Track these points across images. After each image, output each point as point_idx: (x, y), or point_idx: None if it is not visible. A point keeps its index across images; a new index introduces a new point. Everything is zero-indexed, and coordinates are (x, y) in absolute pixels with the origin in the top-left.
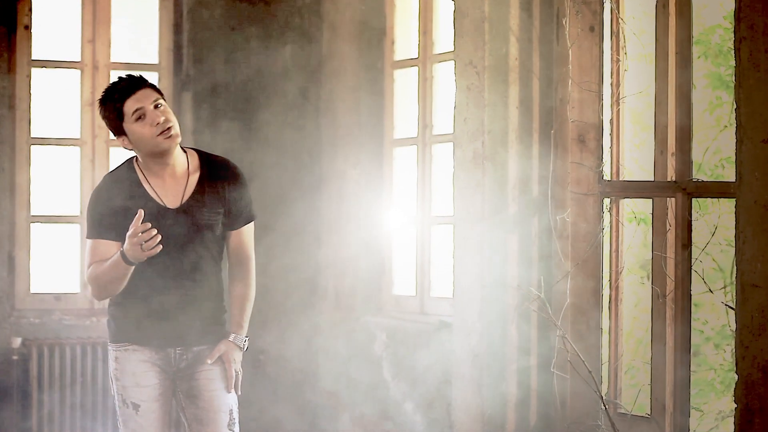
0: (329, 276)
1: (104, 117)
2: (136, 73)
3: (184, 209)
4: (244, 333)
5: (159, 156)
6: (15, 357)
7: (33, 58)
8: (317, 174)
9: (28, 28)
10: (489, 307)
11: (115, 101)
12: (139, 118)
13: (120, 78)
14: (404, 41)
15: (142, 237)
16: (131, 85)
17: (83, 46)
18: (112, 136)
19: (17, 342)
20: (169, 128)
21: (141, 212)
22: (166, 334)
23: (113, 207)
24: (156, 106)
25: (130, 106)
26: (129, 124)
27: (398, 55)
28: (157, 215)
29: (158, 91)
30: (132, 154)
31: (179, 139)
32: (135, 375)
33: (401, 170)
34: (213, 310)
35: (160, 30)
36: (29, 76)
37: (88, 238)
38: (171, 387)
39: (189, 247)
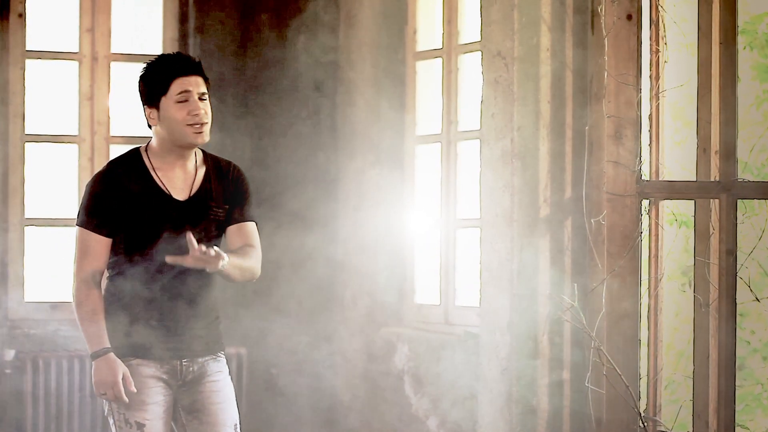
0: (346, 283)
1: (146, 83)
2: (196, 58)
3: (192, 202)
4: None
5: (179, 148)
6: (8, 371)
7: (27, 48)
8: (333, 173)
9: (21, 16)
10: (519, 317)
11: (167, 73)
12: (181, 101)
13: (179, 53)
14: (427, 30)
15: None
16: (189, 65)
17: (81, 36)
18: (113, 132)
19: (10, 355)
20: (204, 124)
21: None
22: (173, 344)
23: (115, 196)
24: (202, 99)
25: (179, 84)
26: (168, 101)
27: (421, 46)
28: (164, 206)
29: (209, 85)
30: (136, 145)
31: (206, 139)
32: (140, 392)
33: (424, 169)
34: (213, 316)
35: (165, 18)
36: (23, 68)
37: (78, 225)
38: (173, 403)
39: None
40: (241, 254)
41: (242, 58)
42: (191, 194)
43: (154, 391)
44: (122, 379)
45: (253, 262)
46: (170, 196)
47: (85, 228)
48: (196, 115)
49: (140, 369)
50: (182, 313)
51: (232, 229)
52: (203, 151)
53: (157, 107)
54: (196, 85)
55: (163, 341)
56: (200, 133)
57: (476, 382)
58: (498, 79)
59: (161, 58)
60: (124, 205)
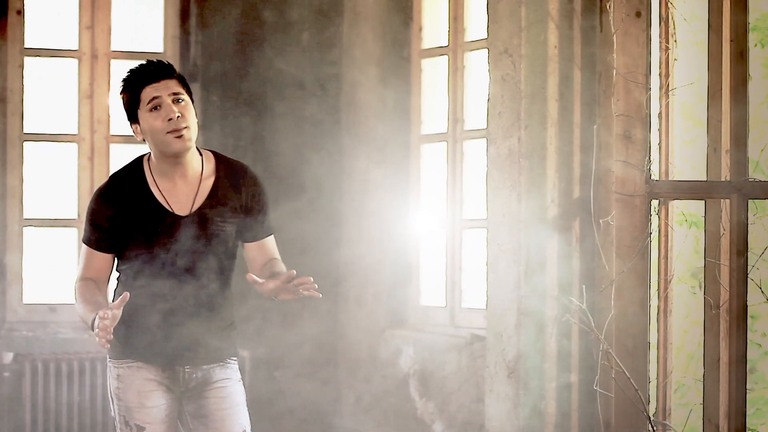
0: (350, 285)
1: (121, 99)
2: (166, 61)
3: (194, 218)
4: None
5: (168, 155)
6: (6, 374)
7: (26, 46)
8: (337, 173)
9: (20, 13)
10: (526, 319)
11: (134, 85)
12: (153, 108)
13: (149, 61)
14: (433, 28)
15: (99, 323)
16: (157, 71)
17: (81, 33)
18: (113, 131)
19: (8, 357)
20: (182, 128)
21: (126, 294)
22: (175, 351)
23: (114, 214)
24: (176, 101)
25: (147, 93)
26: (143, 113)
27: (426, 43)
28: (165, 223)
29: (185, 84)
30: (142, 152)
31: (191, 144)
32: (140, 395)
33: (429, 169)
34: (223, 325)
35: (165, 15)
36: (22, 66)
37: (83, 242)
38: (177, 408)
39: (199, 258)
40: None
41: (245, 56)
42: (194, 208)
43: (154, 394)
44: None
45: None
46: (171, 212)
47: (87, 245)
48: (170, 120)
49: (141, 372)
50: (187, 321)
51: (252, 246)
52: (216, 157)
53: (138, 121)
54: (166, 88)
55: (165, 348)
56: (180, 137)
57: (483, 386)
58: (505, 77)
59: (131, 71)
60: (124, 222)
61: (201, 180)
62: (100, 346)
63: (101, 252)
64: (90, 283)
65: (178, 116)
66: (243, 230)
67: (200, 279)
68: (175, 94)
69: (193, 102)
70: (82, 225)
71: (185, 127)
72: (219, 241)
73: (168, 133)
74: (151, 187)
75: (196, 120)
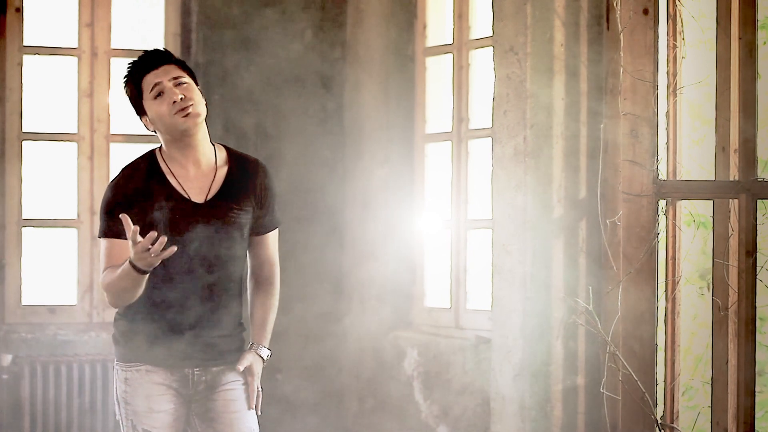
0: (354, 286)
1: (126, 94)
2: (162, 48)
3: (211, 205)
4: (266, 343)
5: (180, 138)
6: (5, 376)
7: (25, 44)
8: (340, 173)
9: (19, 10)
10: (532, 320)
11: (135, 76)
12: (158, 95)
13: (145, 51)
14: (437, 25)
15: (150, 248)
16: (153, 59)
17: (80, 31)
18: (113, 130)
19: (7, 359)
20: (188, 106)
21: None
22: (185, 352)
23: (131, 202)
24: (178, 84)
25: (148, 81)
26: (148, 102)
27: (431, 41)
28: (181, 209)
29: (185, 68)
30: (143, 151)
31: (200, 119)
32: (148, 399)
33: (434, 169)
34: (235, 324)
35: (166, 12)
36: (21, 64)
37: (100, 236)
38: (186, 412)
39: (214, 249)
40: (265, 314)
41: (247, 54)
42: (210, 196)
43: (163, 399)
44: (142, 247)
45: (275, 303)
46: (187, 198)
47: (107, 237)
48: (174, 102)
49: (150, 375)
50: (197, 321)
51: (256, 240)
52: (227, 150)
53: (145, 112)
54: (165, 73)
55: (175, 349)
56: (187, 114)
57: (488, 388)
58: (510, 75)
59: (131, 63)
60: (140, 209)
61: (216, 169)
62: (167, 255)
63: (122, 239)
64: (117, 267)
65: (182, 97)
66: (254, 222)
67: (216, 271)
68: (175, 78)
69: (198, 85)
70: (82, 225)
71: (191, 104)
72: (233, 231)
73: (175, 114)
74: (167, 174)
75: (204, 101)
